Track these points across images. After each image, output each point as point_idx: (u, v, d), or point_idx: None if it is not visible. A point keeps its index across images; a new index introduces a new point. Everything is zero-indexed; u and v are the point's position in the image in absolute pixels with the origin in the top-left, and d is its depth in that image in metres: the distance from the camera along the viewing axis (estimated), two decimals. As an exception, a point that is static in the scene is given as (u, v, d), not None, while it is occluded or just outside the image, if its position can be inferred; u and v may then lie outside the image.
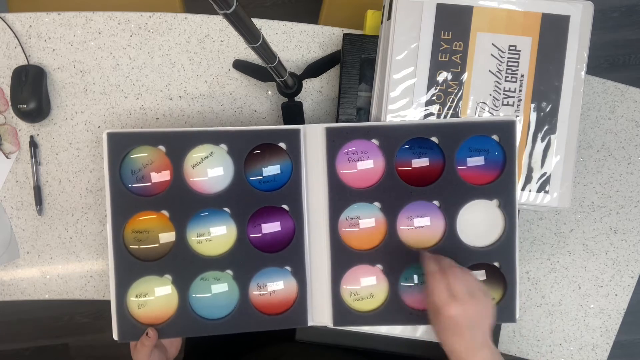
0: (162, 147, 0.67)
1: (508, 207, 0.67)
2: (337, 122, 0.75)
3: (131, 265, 0.67)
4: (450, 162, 0.67)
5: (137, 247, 0.67)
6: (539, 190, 0.69)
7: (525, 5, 0.67)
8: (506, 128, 0.67)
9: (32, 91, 0.79)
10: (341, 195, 0.67)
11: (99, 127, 0.84)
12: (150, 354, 0.65)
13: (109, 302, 0.68)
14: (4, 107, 0.83)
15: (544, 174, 0.69)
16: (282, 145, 0.68)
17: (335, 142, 0.67)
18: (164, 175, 0.67)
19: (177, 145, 0.67)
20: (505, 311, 0.68)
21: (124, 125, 0.84)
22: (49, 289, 0.85)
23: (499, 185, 0.67)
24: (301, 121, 0.81)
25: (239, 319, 0.68)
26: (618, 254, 0.86)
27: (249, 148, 0.67)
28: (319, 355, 0.75)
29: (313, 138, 0.68)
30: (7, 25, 0.82)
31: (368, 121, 0.74)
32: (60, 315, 1.67)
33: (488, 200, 0.68)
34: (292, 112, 0.80)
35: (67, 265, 0.85)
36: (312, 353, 0.75)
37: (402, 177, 0.67)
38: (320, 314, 0.69)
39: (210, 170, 0.67)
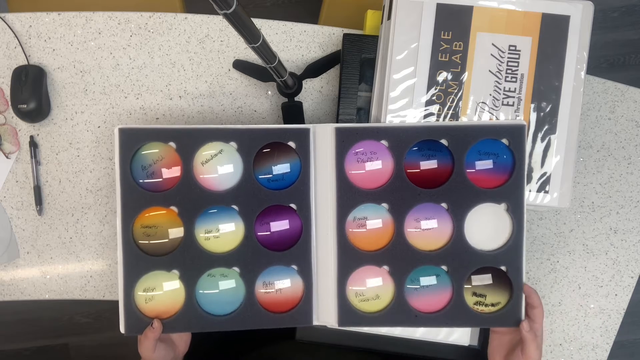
0: (172, 144, 0.67)
1: (516, 211, 0.67)
2: (337, 122, 0.75)
3: (139, 259, 0.67)
4: (459, 164, 0.67)
5: (145, 242, 0.68)
6: (539, 190, 0.69)
7: (525, 5, 0.67)
8: (516, 132, 0.66)
9: (32, 91, 0.79)
10: (349, 196, 0.67)
11: (99, 127, 0.84)
12: (155, 347, 0.64)
13: (109, 302, 0.68)
14: (4, 107, 0.83)
15: (544, 174, 0.69)
16: (292, 144, 0.68)
17: (344, 142, 0.67)
18: (174, 172, 0.67)
19: (188, 142, 0.67)
20: (510, 315, 0.68)
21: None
22: (49, 289, 0.85)
23: (508, 189, 0.67)
24: (301, 121, 0.81)
25: (245, 316, 0.68)
26: (618, 254, 0.86)
27: (258, 146, 0.67)
28: (318, 354, 0.75)
29: (322, 138, 0.68)
30: (7, 25, 0.82)
31: (368, 121, 0.74)
32: (60, 315, 1.66)
33: (496, 203, 0.67)
34: (292, 112, 0.80)
35: (67, 265, 0.85)
36: (312, 352, 0.75)
37: (410, 179, 0.67)
38: (325, 314, 0.69)
39: (220, 168, 0.68)
